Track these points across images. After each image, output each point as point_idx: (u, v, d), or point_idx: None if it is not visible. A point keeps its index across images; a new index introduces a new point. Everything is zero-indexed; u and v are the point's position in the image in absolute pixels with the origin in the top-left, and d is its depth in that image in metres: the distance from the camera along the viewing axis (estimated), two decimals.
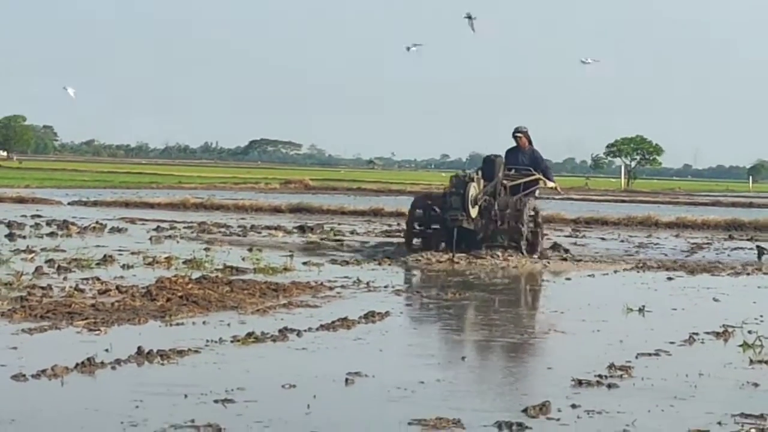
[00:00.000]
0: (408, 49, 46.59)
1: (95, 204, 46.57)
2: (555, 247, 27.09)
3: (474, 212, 23.64)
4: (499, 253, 24.08)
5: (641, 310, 17.23)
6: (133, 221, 34.78)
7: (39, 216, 34.99)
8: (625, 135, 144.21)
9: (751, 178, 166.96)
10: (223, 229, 32.17)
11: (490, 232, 24.40)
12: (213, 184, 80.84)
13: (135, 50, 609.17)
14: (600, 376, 11.30)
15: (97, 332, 13.11)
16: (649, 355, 12.78)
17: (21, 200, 46.51)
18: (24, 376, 10.23)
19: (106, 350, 11.54)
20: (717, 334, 14.69)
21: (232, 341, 12.79)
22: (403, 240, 26.55)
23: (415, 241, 25.31)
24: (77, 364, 10.74)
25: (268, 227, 33.83)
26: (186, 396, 9.98)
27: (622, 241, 34.26)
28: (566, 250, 26.93)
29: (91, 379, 10.43)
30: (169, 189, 64.15)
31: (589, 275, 23.22)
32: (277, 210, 45.42)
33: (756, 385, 11.22)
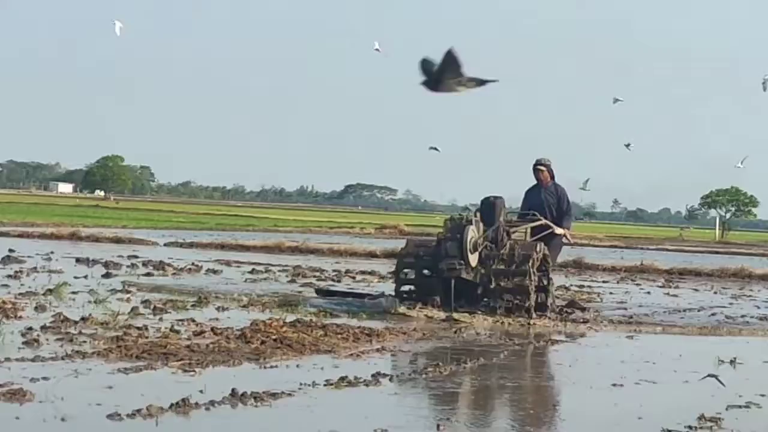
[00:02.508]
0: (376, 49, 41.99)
1: (191, 245, 46.92)
2: (571, 304, 23.16)
3: (474, 260, 20.44)
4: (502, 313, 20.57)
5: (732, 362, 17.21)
6: (228, 263, 34.95)
7: (135, 256, 35.24)
8: (720, 186, 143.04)
9: None
10: (317, 273, 32.03)
11: (493, 285, 20.74)
12: (308, 227, 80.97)
13: (237, 93, 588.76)
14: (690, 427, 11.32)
15: (191, 373, 13.23)
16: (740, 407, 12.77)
17: (118, 240, 46.96)
18: (119, 415, 10.35)
19: (201, 391, 11.64)
20: None
21: (325, 385, 12.88)
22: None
23: (406, 289, 21.77)
24: (172, 405, 10.86)
25: (362, 272, 33.79)
26: None
27: (715, 292, 34.04)
28: (583, 309, 22.97)
29: (186, 420, 10.54)
30: (264, 232, 64.42)
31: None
32: (371, 255, 45.41)
33: None
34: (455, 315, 20.04)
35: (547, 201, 22.39)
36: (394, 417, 11.35)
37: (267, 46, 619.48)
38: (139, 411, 10.49)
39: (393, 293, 21.69)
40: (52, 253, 35.33)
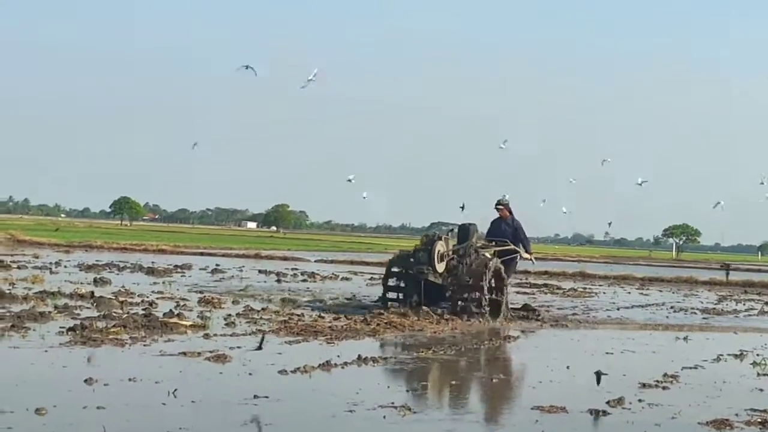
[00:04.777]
0: (308, 79, 33.78)
1: (332, 261, 46.91)
2: (525, 308, 20.32)
3: (441, 267, 18.25)
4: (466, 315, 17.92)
5: (686, 338, 17.00)
6: (355, 273, 34.96)
7: (296, 269, 35.45)
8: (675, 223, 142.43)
9: (759, 252, 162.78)
10: None
11: (456, 290, 18.27)
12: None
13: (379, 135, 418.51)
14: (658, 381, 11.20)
15: (332, 344, 13.24)
16: (694, 367, 12.62)
17: (285, 258, 47.07)
18: (285, 371, 10.39)
19: (338, 356, 11.64)
20: (736, 356, 14.39)
21: (417, 352, 12.87)
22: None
23: (392, 295, 18.89)
24: (319, 365, 10.87)
25: None
26: (388, 387, 10.10)
27: (673, 293, 33.68)
28: (535, 311, 20.24)
29: (328, 375, 10.53)
30: (378, 253, 64.23)
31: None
32: None
33: (761, 390, 11.01)
34: (424, 307, 17.89)
35: (506, 231, 20.29)
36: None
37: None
38: (298, 368, 10.53)
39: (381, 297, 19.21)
40: (242, 267, 35.62)
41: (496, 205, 20.64)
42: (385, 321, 16.45)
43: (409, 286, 18.43)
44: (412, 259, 18.51)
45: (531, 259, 21.37)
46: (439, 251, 18.24)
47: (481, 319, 17.73)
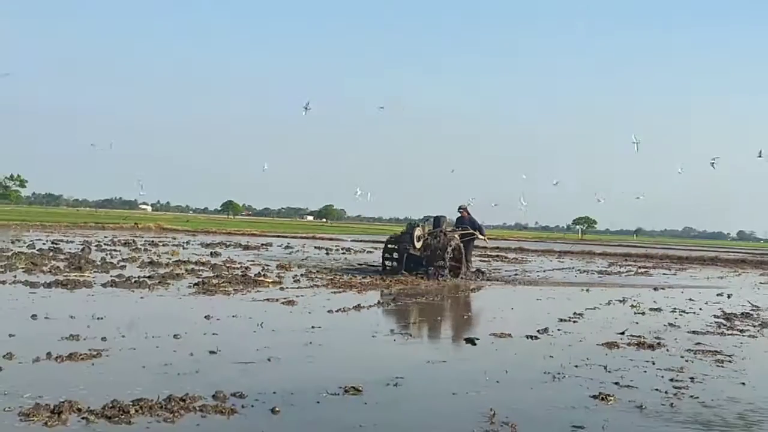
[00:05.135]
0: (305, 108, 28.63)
1: (360, 241, 46.39)
2: (477, 272, 19.54)
3: (418, 245, 18.02)
4: (438, 275, 17.34)
5: (588, 290, 16.91)
6: (375, 248, 34.46)
7: (338, 246, 35.45)
8: (580, 215, 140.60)
9: (635, 235, 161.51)
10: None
11: (428, 260, 17.77)
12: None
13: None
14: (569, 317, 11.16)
15: (362, 294, 13.22)
16: (593, 308, 12.58)
17: (331, 239, 46.86)
18: (332, 311, 10.39)
19: (365, 301, 11.65)
20: (620, 301, 14.30)
21: (413, 298, 12.82)
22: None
23: (388, 264, 18.41)
24: (353, 306, 10.89)
25: None
26: (397, 321, 10.03)
27: (578, 261, 33.48)
28: (483, 272, 19.71)
29: (359, 313, 10.48)
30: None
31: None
32: None
33: (637, 323, 10.95)
34: (404, 271, 17.56)
35: (465, 224, 19.56)
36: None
37: None
38: (339, 309, 10.53)
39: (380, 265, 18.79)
40: (304, 245, 35.65)
41: (459, 209, 20.08)
42: (395, 279, 16.42)
43: (400, 257, 18.14)
44: (400, 239, 18.30)
45: (485, 239, 20.67)
46: (417, 234, 18.06)
47: (446, 278, 17.21)
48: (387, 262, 18.46)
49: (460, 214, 20.05)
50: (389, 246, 18.51)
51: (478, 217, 20.22)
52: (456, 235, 18.67)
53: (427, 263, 17.91)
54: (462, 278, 17.99)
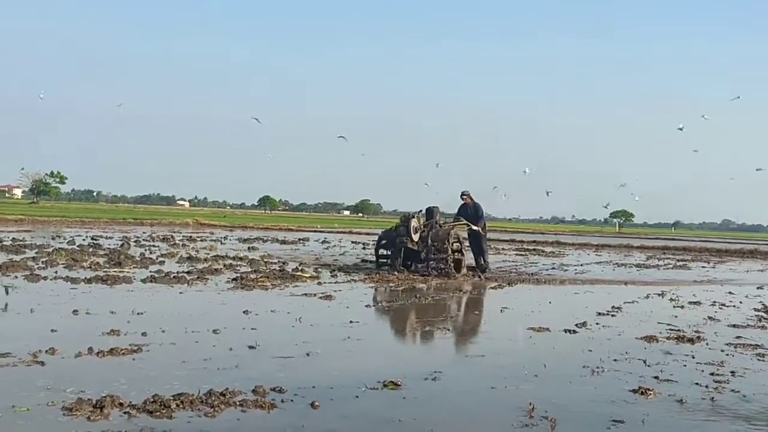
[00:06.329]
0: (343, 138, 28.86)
1: None
2: (471, 268, 17.50)
3: (415, 237, 16.49)
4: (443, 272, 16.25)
5: (626, 283, 16.69)
6: None
7: (375, 241, 35.33)
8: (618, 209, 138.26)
9: (672, 227, 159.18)
10: None
11: (426, 254, 16.45)
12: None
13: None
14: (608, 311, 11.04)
15: (397, 289, 13.20)
16: (632, 302, 12.42)
17: (368, 234, 46.81)
18: (369, 305, 10.41)
19: (401, 296, 11.61)
20: (659, 295, 14.12)
21: (446, 293, 12.69)
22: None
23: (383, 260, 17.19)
24: (389, 301, 10.87)
25: None
26: (433, 315, 10.01)
27: (617, 254, 33.10)
28: (483, 270, 17.46)
29: (396, 308, 10.50)
30: None
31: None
32: None
33: (676, 316, 10.80)
34: (401, 266, 16.45)
35: (467, 214, 17.67)
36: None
37: None
38: (374, 302, 10.54)
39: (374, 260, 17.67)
40: (341, 240, 35.72)
41: (461, 195, 18.27)
42: (427, 276, 15.90)
43: (394, 252, 16.88)
44: (395, 233, 16.99)
45: (478, 230, 17.95)
46: (413, 226, 16.64)
47: (450, 272, 16.13)
48: (382, 259, 17.22)
49: (463, 201, 18.36)
50: (382, 242, 17.23)
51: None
52: (455, 227, 17.46)
53: (425, 256, 16.67)
54: (473, 274, 16.85)
